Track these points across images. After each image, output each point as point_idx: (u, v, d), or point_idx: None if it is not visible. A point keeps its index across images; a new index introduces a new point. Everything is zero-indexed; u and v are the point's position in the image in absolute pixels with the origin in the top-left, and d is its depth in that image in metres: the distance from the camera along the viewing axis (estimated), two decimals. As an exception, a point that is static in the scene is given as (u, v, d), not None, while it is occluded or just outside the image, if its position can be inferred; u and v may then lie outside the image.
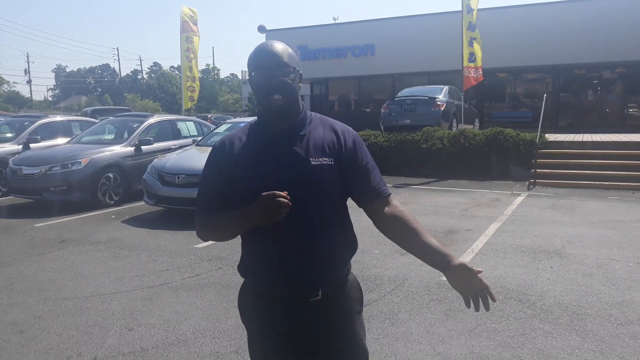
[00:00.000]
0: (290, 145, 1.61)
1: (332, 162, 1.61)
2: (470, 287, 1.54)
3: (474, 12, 13.72)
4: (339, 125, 1.73)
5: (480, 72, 13.95)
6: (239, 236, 1.68)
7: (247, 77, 1.68)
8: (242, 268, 1.73)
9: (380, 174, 1.75)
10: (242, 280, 1.75)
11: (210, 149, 6.87)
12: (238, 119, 11.68)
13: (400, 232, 1.65)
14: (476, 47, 13.75)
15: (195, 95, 17.10)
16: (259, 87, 1.60)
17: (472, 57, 13.69)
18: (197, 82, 17.17)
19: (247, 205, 1.49)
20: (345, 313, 1.69)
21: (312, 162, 1.59)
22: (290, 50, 1.64)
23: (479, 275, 1.53)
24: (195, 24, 16.71)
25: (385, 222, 1.67)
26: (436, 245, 1.60)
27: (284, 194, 1.43)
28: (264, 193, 1.44)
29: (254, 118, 1.74)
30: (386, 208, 1.67)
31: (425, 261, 1.62)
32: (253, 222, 1.49)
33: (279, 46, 1.60)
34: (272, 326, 1.64)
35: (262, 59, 1.59)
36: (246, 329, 1.75)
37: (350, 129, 1.74)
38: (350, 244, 1.73)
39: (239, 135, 1.69)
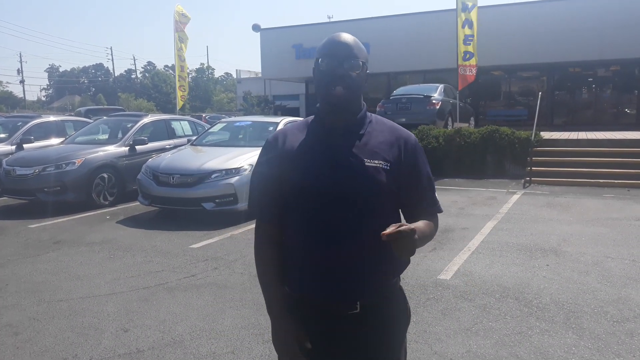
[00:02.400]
0: (345, 144, 1.52)
1: (388, 167, 1.51)
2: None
3: (475, 9, 13.71)
4: (402, 130, 1.62)
5: (474, 70, 13.96)
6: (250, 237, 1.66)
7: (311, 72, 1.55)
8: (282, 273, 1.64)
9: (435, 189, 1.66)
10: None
11: (204, 148, 6.87)
12: (233, 118, 11.65)
13: None
14: (473, 44, 13.75)
15: (185, 94, 17.22)
16: (322, 76, 1.52)
17: (466, 56, 13.71)
18: (186, 83, 17.28)
19: (284, 319, 1.55)
20: (386, 335, 1.58)
21: (367, 164, 1.49)
22: (361, 44, 1.56)
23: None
24: (184, 25, 16.69)
25: None
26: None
27: None
28: (297, 342, 1.51)
29: (311, 117, 1.65)
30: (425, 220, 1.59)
31: None
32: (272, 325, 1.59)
33: (350, 38, 1.54)
34: (309, 336, 1.56)
35: (331, 47, 1.52)
36: None
37: (413, 136, 1.62)
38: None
39: (293, 131, 1.61)
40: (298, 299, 1.57)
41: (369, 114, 1.61)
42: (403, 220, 1.58)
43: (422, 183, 1.59)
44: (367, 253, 1.50)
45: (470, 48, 13.76)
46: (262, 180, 1.60)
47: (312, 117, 1.64)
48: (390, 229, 1.29)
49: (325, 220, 1.48)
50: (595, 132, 13.49)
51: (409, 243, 1.32)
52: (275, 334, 1.58)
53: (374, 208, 1.50)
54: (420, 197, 1.60)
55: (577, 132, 13.63)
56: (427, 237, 1.54)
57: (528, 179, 10.41)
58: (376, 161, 1.50)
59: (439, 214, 1.66)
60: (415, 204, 1.60)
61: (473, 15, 13.69)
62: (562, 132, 14.00)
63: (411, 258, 1.62)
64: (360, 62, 1.52)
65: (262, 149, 1.64)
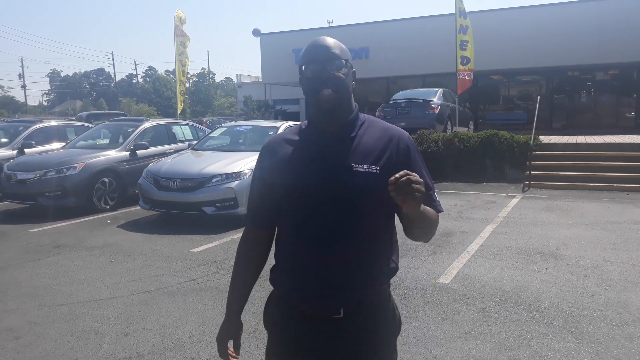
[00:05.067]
0: (334, 149, 1.50)
1: (377, 171, 1.47)
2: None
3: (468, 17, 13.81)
4: (394, 130, 1.58)
5: (471, 75, 14.00)
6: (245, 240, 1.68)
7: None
8: (272, 274, 1.64)
9: (435, 189, 1.58)
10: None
11: (205, 152, 6.94)
12: (234, 123, 11.69)
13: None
14: (469, 50, 13.81)
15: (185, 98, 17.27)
16: (309, 82, 1.50)
17: (463, 61, 13.77)
18: (184, 87, 17.32)
19: (229, 322, 1.67)
20: (372, 344, 1.54)
21: (355, 169, 1.46)
22: (343, 45, 1.55)
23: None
24: (183, 26, 16.73)
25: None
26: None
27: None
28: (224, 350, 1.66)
29: (305, 121, 1.64)
30: None
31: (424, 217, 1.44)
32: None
33: (331, 40, 1.52)
34: (293, 338, 1.56)
35: (313, 53, 1.51)
36: (268, 335, 1.68)
37: (406, 134, 1.59)
38: (388, 263, 1.56)
39: (287, 136, 1.61)
40: (286, 303, 1.58)
41: (361, 115, 1.59)
42: (396, 228, 1.58)
43: None
44: (354, 259, 1.48)
45: (466, 53, 13.82)
46: (256, 186, 1.62)
47: (306, 121, 1.63)
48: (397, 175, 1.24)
49: (314, 225, 1.48)
50: (594, 136, 13.51)
51: (416, 190, 1.25)
52: (220, 331, 1.68)
53: (363, 214, 1.48)
54: None
55: (576, 136, 13.66)
56: (430, 218, 1.47)
57: (527, 182, 10.42)
58: (365, 166, 1.47)
59: (439, 214, 1.57)
60: None
61: (468, 21, 13.76)
62: (561, 136, 14.01)
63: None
64: (344, 61, 1.51)
65: (258, 155, 1.66)
